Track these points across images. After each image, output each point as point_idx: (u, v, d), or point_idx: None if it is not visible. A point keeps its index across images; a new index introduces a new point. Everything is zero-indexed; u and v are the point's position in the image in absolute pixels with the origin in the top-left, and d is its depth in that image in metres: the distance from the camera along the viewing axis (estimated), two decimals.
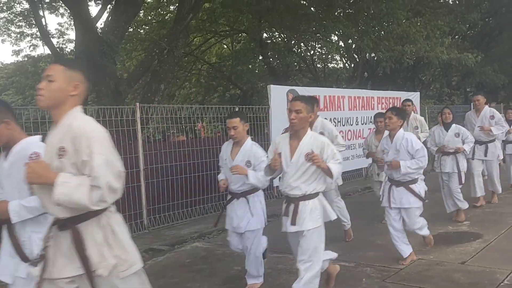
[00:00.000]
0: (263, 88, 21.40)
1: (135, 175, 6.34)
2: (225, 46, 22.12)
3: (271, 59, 18.39)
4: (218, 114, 7.82)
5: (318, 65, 21.09)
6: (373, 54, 15.80)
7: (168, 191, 6.77)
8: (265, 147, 7.69)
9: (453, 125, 6.01)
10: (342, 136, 8.92)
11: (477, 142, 6.74)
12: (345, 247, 5.10)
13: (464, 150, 5.94)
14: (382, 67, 14.75)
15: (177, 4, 16.65)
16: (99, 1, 14.57)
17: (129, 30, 13.97)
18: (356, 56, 18.49)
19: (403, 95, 11.20)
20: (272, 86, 7.96)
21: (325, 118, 8.70)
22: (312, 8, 14.62)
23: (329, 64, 22.32)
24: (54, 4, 15.98)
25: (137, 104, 6.54)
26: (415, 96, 11.52)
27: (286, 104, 7.95)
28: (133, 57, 18.33)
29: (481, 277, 3.94)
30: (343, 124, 9.22)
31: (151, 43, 14.73)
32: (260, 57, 19.64)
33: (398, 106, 10.45)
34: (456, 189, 6.00)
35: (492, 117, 6.83)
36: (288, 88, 8.45)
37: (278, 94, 7.88)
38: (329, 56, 21.22)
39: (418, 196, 4.46)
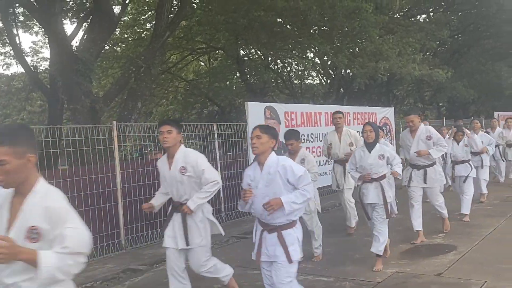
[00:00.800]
0: (240, 105, 21.59)
1: (112, 194, 6.25)
2: (202, 63, 22.24)
3: (248, 76, 18.56)
4: (196, 131, 7.82)
5: (295, 81, 21.39)
6: (348, 70, 16.16)
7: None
8: (244, 163, 7.76)
9: (377, 145, 4.94)
10: (320, 152, 9.09)
11: (414, 166, 5.83)
12: (324, 263, 5.14)
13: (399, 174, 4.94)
14: (357, 83, 15.10)
15: (153, 22, 16.75)
16: (74, 20, 14.52)
17: (105, 48, 13.92)
18: (332, 72, 18.86)
19: (378, 110, 11.48)
20: (249, 103, 8.05)
21: (302, 134, 8.93)
22: (287, 26, 14.89)
23: (305, 80, 22.67)
24: (28, 22, 15.82)
25: (114, 122, 6.50)
26: (389, 112, 11.82)
27: (263, 120, 8.04)
28: (109, 75, 18.22)
29: None
30: (320, 139, 9.34)
31: (127, 60, 14.69)
32: (237, 74, 19.83)
33: (373, 121, 10.71)
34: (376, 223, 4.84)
35: (429, 137, 5.71)
36: (265, 104, 8.54)
37: (255, 111, 7.96)
38: (306, 73, 21.58)
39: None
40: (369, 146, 4.90)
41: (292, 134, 5.14)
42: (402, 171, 5.25)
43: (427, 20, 19.91)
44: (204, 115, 23.92)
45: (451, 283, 4.19)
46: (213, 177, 3.75)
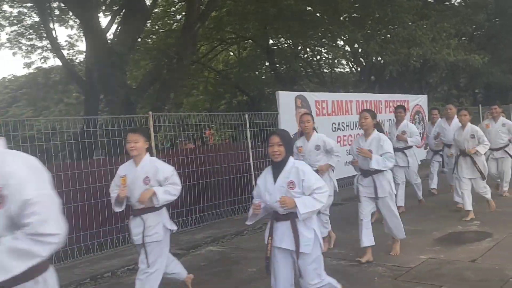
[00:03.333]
0: (270, 94, 21.61)
1: None
2: (232, 53, 22.36)
3: (277, 65, 18.57)
4: (226, 121, 7.95)
5: (325, 70, 21.22)
6: (379, 58, 15.90)
7: (181, 198, 6.88)
8: None
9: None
10: (351, 140, 9.06)
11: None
12: (358, 248, 5.19)
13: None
14: (389, 70, 14.85)
15: (183, 14, 16.96)
16: (107, 13, 14.89)
17: (137, 40, 14.23)
18: (363, 60, 18.59)
19: (410, 98, 11.29)
20: (280, 92, 8.11)
21: (333, 123, 8.93)
22: (317, 14, 14.78)
23: (335, 69, 22.44)
24: (63, 16, 16.32)
25: (150, 113, 6.71)
26: (422, 99, 11.59)
27: (294, 109, 8.09)
28: (141, 67, 18.62)
29: (491, 274, 4.01)
30: (352, 128, 9.32)
31: (159, 52, 14.98)
32: (267, 63, 19.85)
33: (406, 108, 10.56)
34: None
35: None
36: (296, 94, 8.58)
37: (286, 100, 8.02)
38: (336, 61, 21.36)
39: None
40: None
41: None
42: None
43: (463, 4, 19.24)
44: (233, 105, 24.10)
45: (485, 269, 4.18)
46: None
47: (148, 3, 13.61)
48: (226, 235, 6.37)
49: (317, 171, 4.81)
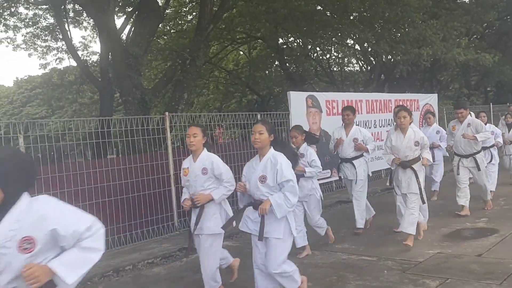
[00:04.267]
0: (280, 93, 21.81)
1: (166, 180, 6.74)
2: (242, 53, 22.58)
3: (287, 64, 18.71)
4: (236, 120, 8.14)
5: (335, 69, 21.31)
6: (389, 57, 15.98)
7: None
8: None
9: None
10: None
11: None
12: (368, 243, 5.40)
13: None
14: (399, 69, 14.93)
15: (194, 14, 17.21)
16: (120, 14, 15.19)
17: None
18: (373, 59, 18.67)
19: (420, 97, 11.40)
20: (291, 92, 8.30)
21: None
22: (327, 13, 14.91)
23: (345, 68, 22.51)
24: (77, 18, 16.67)
25: (166, 113, 6.96)
26: (432, 98, 11.68)
27: (305, 109, 8.29)
28: (153, 67, 18.93)
29: (496, 268, 4.19)
30: (362, 127, 9.46)
31: (172, 53, 15.24)
32: (277, 63, 20.01)
33: (416, 108, 10.69)
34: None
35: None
36: (306, 94, 8.77)
37: (297, 100, 8.21)
38: (346, 60, 21.44)
39: None
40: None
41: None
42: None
43: (473, 2, 19.20)
44: (243, 104, 24.33)
45: (491, 263, 4.35)
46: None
47: (160, 4, 13.86)
48: (240, 231, 6.57)
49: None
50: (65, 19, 14.61)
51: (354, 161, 6.04)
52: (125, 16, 14.44)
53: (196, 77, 12.32)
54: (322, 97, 8.85)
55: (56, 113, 32.11)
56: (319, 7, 14.77)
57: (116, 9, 14.62)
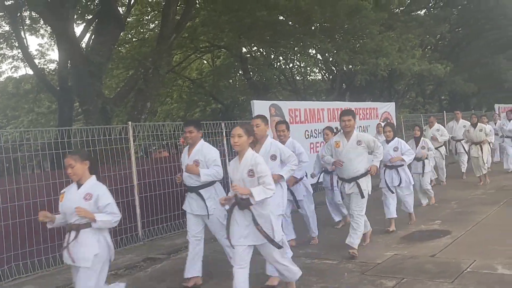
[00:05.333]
0: (244, 102, 21.96)
1: (129, 190, 6.68)
2: (205, 62, 22.61)
3: (251, 73, 18.92)
4: (202, 129, 8.15)
5: (297, 78, 21.72)
6: (350, 66, 16.50)
7: (161, 204, 7.11)
8: None
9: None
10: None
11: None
12: (329, 248, 5.57)
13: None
14: (358, 79, 15.44)
15: (156, 22, 17.12)
16: (79, 22, 14.90)
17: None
18: (334, 68, 19.18)
19: (379, 105, 11.86)
20: (255, 101, 8.43)
21: (306, 130, 9.33)
22: (290, 23, 15.23)
23: (308, 77, 23.00)
24: (34, 25, 16.20)
25: (129, 123, 6.91)
26: (390, 106, 12.18)
27: (269, 118, 8.43)
28: (114, 76, 18.61)
29: (448, 267, 4.46)
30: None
31: (134, 62, 15.08)
32: (240, 72, 20.19)
33: (375, 116, 11.11)
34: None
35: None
36: (270, 102, 8.94)
37: (261, 109, 8.32)
38: (308, 69, 21.91)
39: None
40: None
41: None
42: None
43: (427, 14, 20.14)
44: (207, 113, 24.31)
45: (443, 262, 4.62)
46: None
47: (122, 12, 13.72)
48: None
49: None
50: (21, 27, 14.19)
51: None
52: (84, 24, 14.18)
53: (159, 86, 12.26)
54: (286, 105, 9.04)
55: (11, 123, 30.86)
56: (281, 17, 15.08)
57: (75, 16, 14.37)
